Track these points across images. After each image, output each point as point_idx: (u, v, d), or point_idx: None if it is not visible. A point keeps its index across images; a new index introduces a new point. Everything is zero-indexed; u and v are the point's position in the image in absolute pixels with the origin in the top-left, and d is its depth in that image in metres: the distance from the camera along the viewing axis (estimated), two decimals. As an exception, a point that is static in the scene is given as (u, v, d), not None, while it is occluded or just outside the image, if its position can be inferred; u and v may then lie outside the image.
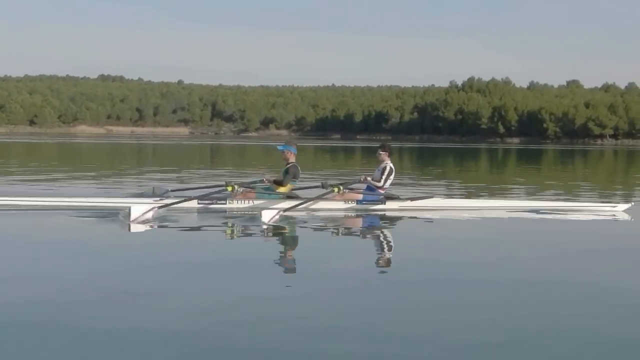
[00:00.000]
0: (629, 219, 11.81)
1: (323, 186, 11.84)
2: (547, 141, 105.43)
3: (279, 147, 11.96)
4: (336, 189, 11.53)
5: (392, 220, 11.21)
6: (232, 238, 9.52)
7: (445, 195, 14.76)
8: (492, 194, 16.32)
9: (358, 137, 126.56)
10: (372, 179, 11.96)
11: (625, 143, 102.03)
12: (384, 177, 11.78)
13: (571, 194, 17.31)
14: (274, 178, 11.97)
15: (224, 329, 4.87)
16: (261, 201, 11.34)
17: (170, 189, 12.31)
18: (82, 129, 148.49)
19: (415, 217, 11.43)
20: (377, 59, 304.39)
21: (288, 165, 11.70)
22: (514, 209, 12.36)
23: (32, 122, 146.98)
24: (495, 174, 27.87)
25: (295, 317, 5.24)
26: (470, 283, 6.52)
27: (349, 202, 11.66)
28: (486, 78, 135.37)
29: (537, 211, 12.16)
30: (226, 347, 4.55)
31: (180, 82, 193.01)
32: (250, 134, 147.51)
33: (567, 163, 39.58)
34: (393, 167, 11.96)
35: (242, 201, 11.38)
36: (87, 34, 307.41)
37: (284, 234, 9.83)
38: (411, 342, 4.74)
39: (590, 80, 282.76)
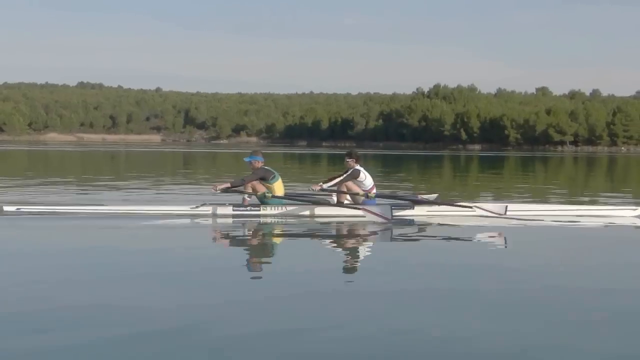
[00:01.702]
0: None
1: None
2: (509, 148, 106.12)
3: (246, 160, 12.27)
4: (317, 187, 11.99)
5: (402, 225, 11.38)
6: (241, 244, 10.02)
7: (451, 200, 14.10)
8: (497, 200, 15.92)
9: (324, 143, 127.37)
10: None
11: (584, 150, 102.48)
12: (342, 178, 12.11)
13: (576, 198, 17.36)
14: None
15: (213, 334, 4.92)
16: (293, 207, 11.91)
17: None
18: (52, 136, 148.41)
19: (430, 224, 11.51)
20: (358, 66, 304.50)
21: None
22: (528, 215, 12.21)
23: (0, 130, 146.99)
24: (472, 182, 26.93)
25: (289, 321, 5.28)
26: (479, 290, 6.39)
27: (366, 210, 11.68)
28: (457, 85, 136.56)
29: (552, 216, 12.09)
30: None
31: (158, 89, 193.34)
32: (220, 142, 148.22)
33: (536, 170, 38.45)
34: (360, 169, 12.09)
35: (275, 208, 11.85)
36: (67, 42, 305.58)
37: (292, 240, 10.30)
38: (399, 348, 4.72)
39: (560, 87, 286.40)
